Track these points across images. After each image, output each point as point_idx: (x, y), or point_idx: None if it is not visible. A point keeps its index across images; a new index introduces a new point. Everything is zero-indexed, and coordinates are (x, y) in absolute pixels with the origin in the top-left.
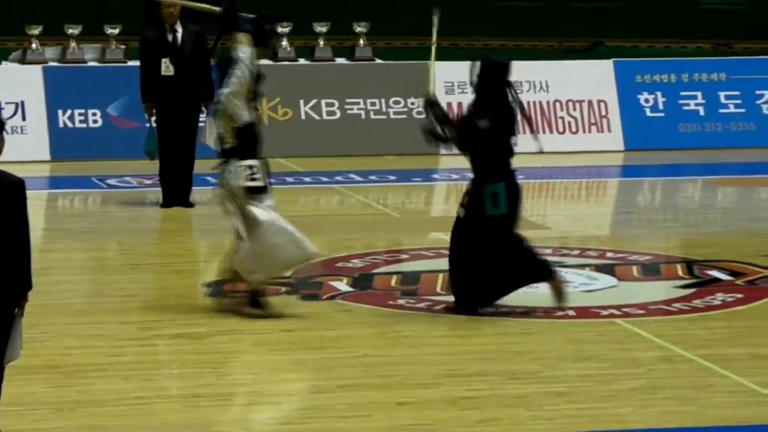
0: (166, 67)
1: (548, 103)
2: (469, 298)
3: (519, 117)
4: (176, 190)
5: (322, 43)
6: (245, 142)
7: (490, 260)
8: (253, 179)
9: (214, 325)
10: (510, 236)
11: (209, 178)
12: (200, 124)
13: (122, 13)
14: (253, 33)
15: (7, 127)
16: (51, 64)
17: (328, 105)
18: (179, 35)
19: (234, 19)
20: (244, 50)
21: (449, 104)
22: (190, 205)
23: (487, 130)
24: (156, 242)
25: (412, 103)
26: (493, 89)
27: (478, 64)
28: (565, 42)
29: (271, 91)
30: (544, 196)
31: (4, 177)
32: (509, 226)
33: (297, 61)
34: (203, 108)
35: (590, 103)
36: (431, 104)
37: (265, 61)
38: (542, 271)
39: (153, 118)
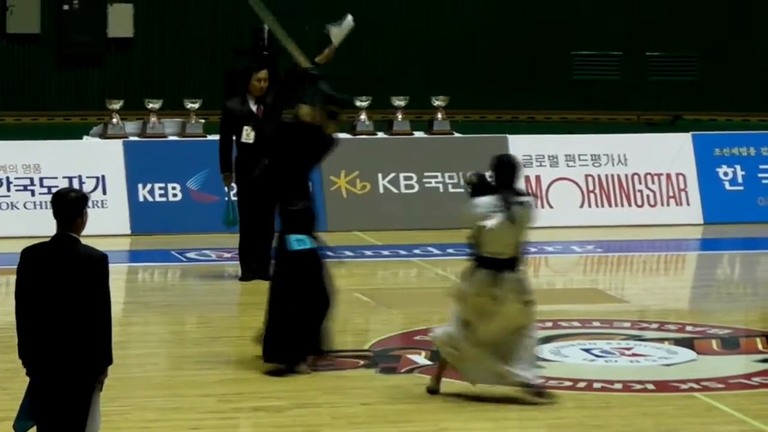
0: (247, 135)
1: (627, 176)
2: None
3: None
4: (255, 263)
5: (400, 116)
6: None
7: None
8: None
9: (294, 399)
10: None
11: None
12: None
13: (201, 88)
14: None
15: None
16: (131, 138)
17: (406, 178)
18: (262, 106)
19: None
20: None
21: (527, 177)
22: (270, 277)
23: None
24: (235, 315)
25: (490, 176)
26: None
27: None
28: (644, 115)
29: (349, 165)
30: (623, 269)
31: (87, 252)
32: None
33: (375, 134)
34: None
35: (669, 176)
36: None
37: (344, 135)
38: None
39: (232, 191)
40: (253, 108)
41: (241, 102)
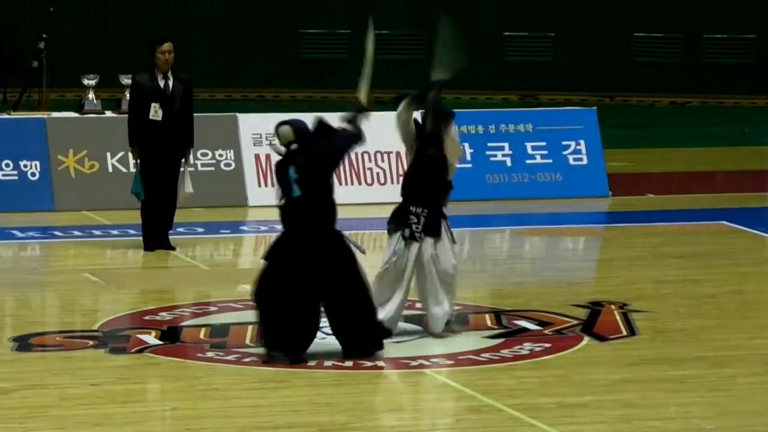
0: (155, 112)
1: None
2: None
3: None
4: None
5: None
6: None
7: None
8: None
9: (21, 380)
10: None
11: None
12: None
13: None
14: None
15: None
16: None
17: None
18: (170, 82)
19: None
20: None
21: (257, 156)
22: (171, 247)
23: None
24: None
25: (220, 155)
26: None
27: None
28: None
29: (77, 144)
30: None
31: None
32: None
33: (104, 113)
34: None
35: (398, 154)
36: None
37: (71, 114)
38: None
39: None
40: (161, 84)
41: (150, 77)
